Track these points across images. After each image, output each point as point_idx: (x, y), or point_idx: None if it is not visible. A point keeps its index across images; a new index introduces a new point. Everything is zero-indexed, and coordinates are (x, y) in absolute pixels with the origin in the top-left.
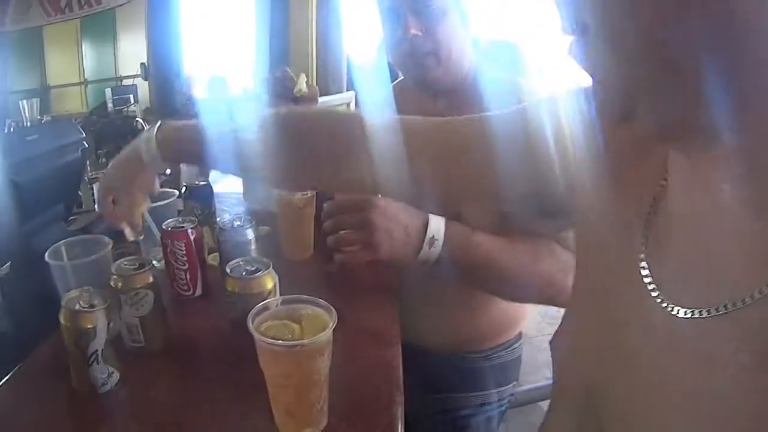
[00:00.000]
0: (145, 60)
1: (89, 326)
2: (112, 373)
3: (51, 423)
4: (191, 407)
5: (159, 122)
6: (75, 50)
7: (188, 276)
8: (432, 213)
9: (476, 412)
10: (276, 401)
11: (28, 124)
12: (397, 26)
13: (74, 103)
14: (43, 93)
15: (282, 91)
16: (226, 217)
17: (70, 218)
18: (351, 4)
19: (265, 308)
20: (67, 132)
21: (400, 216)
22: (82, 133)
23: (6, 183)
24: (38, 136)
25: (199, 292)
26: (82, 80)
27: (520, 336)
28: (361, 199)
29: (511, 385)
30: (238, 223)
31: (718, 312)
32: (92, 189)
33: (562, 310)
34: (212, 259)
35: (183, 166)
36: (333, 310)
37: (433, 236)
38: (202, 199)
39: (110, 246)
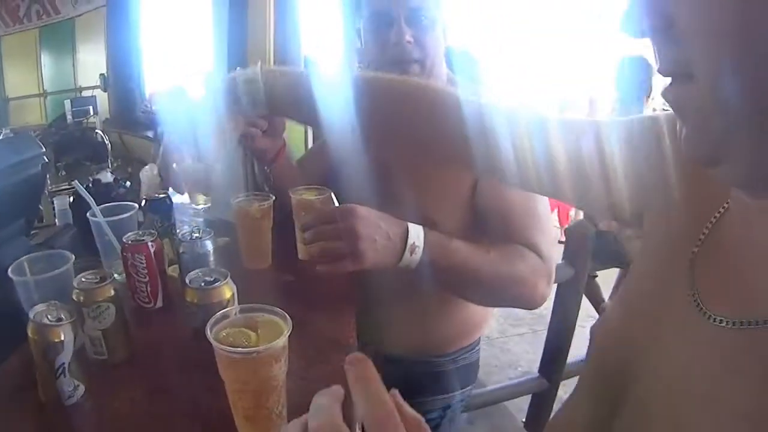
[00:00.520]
0: (104, 70)
1: (57, 340)
2: (78, 385)
3: None
4: (155, 417)
5: (258, 64)
6: (34, 61)
7: (149, 288)
8: None
9: (442, 415)
10: (236, 408)
11: None
12: (389, 32)
13: (33, 115)
14: (1, 105)
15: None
16: (186, 228)
17: (32, 233)
18: (309, 12)
19: (224, 317)
20: (27, 146)
21: (381, 223)
22: (42, 148)
23: None
24: None
25: (159, 303)
26: (41, 92)
27: (479, 339)
28: (341, 208)
29: (471, 386)
30: (197, 234)
31: (749, 325)
32: (53, 203)
33: (524, 312)
34: (172, 271)
35: (143, 178)
36: (288, 317)
37: (414, 243)
38: (161, 211)
39: (72, 260)
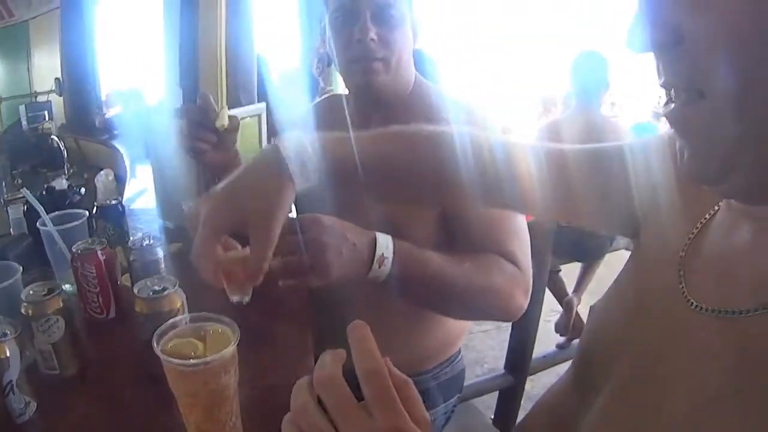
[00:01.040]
0: (59, 74)
1: (2, 356)
2: (29, 402)
3: None
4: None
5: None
6: None
7: (101, 298)
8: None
9: None
10: (188, 420)
11: None
12: (353, 28)
13: None
14: None
15: (202, 119)
16: (138, 235)
17: None
18: (264, 12)
19: (171, 327)
20: None
21: (347, 234)
22: None
23: None
24: None
25: (113, 314)
26: None
27: (460, 349)
28: (305, 218)
29: (455, 398)
30: (148, 241)
31: (731, 314)
32: (7, 212)
33: None
34: (126, 280)
35: (98, 184)
36: (236, 326)
37: (383, 254)
38: (113, 218)
39: (20, 272)
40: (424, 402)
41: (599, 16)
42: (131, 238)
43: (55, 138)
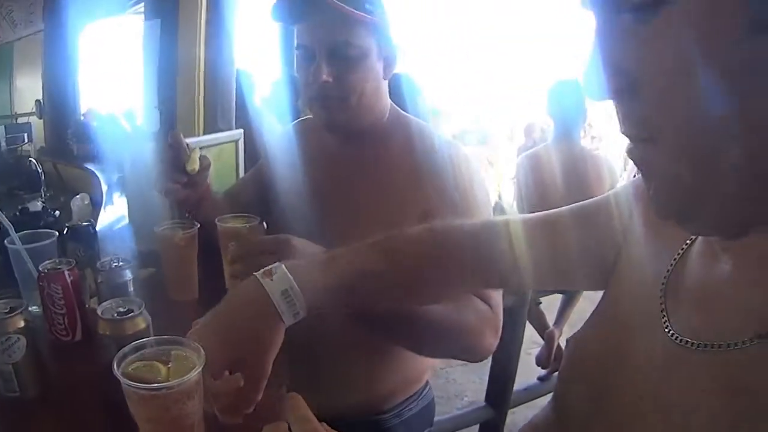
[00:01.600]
0: (40, 97)
1: None
2: None
3: None
4: None
5: (278, 264)
6: None
7: (66, 320)
8: None
9: None
10: None
11: None
12: (310, 68)
13: None
14: None
15: (173, 159)
16: (107, 258)
17: None
18: (245, 38)
19: (134, 350)
20: None
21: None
22: None
23: None
24: None
25: (78, 336)
26: None
27: (427, 382)
28: (275, 239)
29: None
30: (116, 264)
31: (712, 347)
32: None
33: None
34: (94, 303)
35: (74, 207)
36: (202, 351)
37: None
38: (83, 239)
39: None
40: None
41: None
42: (100, 260)
43: (34, 161)
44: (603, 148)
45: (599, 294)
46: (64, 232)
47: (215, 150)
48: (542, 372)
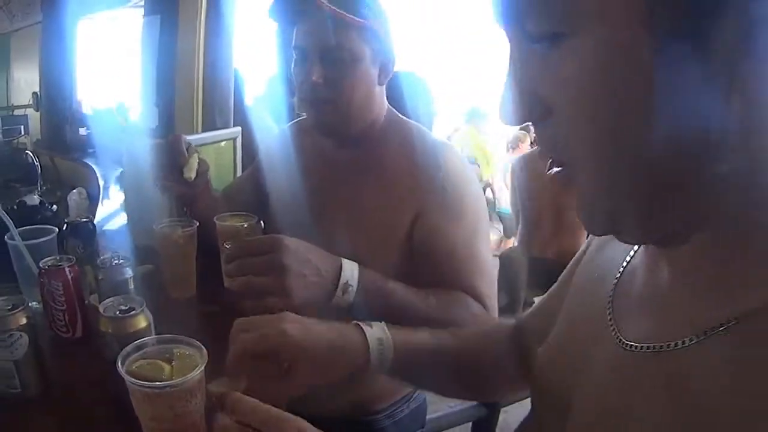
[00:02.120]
0: (37, 89)
1: None
2: None
3: None
4: None
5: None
6: None
7: (67, 317)
8: None
9: None
10: None
11: None
12: (302, 69)
13: None
14: None
15: (170, 161)
16: (107, 254)
17: None
18: (243, 36)
19: (137, 348)
20: None
21: (311, 257)
22: None
23: None
24: None
25: (79, 333)
26: None
27: None
28: (268, 239)
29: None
30: (117, 261)
31: (658, 349)
32: None
33: None
34: (94, 299)
35: (71, 202)
36: (204, 349)
37: (347, 281)
38: (83, 236)
39: None
40: None
41: None
42: (100, 257)
43: (30, 153)
44: None
45: None
46: (64, 228)
47: (213, 147)
48: None
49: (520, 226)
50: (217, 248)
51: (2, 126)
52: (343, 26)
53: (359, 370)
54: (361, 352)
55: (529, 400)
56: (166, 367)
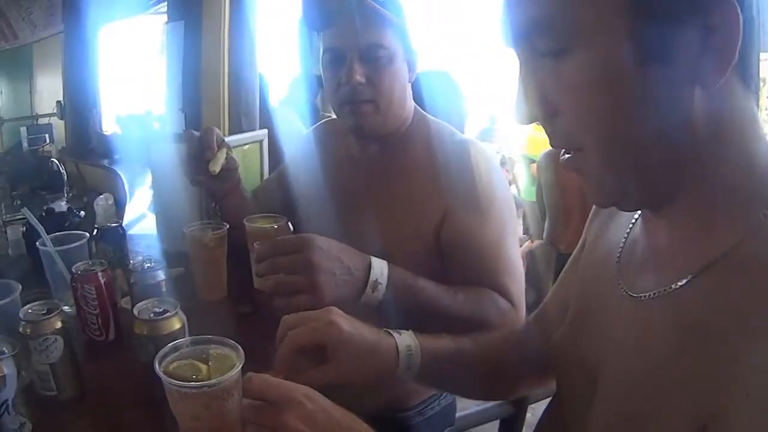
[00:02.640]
0: (61, 98)
1: None
2: (24, 423)
3: None
4: None
5: (409, 330)
6: None
7: (100, 320)
8: None
9: None
10: None
11: None
12: (341, 71)
13: None
14: None
15: (197, 152)
16: (138, 258)
17: None
18: (266, 39)
19: (173, 349)
20: None
21: (341, 256)
22: None
23: None
24: None
25: (112, 336)
26: None
27: None
28: (298, 238)
29: (448, 430)
30: (149, 264)
31: (664, 292)
32: (6, 233)
33: None
34: (125, 303)
35: (98, 208)
36: (240, 349)
37: (377, 279)
38: (113, 241)
39: (19, 290)
40: None
41: None
42: (132, 261)
43: (56, 161)
44: None
45: None
46: (94, 233)
47: (240, 151)
48: None
49: (547, 223)
50: (247, 250)
51: (27, 135)
52: (380, 25)
53: (387, 374)
54: (392, 358)
55: None
56: (203, 367)
